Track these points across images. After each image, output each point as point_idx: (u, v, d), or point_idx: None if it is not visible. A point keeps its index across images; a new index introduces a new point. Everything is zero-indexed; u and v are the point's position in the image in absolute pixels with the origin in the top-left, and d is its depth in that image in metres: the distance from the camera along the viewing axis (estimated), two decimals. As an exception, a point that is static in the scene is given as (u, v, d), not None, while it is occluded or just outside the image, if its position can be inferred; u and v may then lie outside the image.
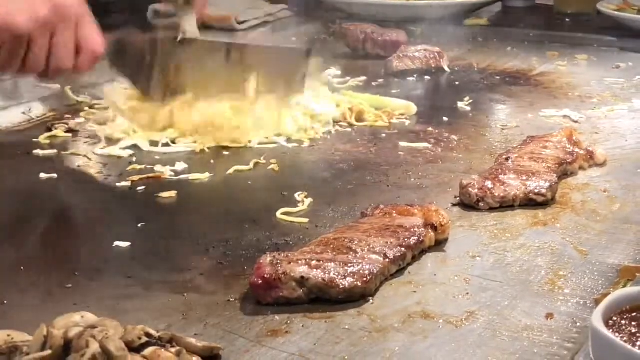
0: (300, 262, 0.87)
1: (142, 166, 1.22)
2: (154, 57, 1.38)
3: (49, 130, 1.36)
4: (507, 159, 1.17)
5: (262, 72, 1.37)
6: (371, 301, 0.85)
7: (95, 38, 1.18)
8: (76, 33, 1.16)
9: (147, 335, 0.73)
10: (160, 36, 1.41)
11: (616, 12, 2.05)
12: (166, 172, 1.20)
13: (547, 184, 1.09)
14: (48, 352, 0.70)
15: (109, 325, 0.73)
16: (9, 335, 0.76)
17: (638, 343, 0.67)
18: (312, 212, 1.08)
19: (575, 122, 1.42)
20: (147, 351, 0.71)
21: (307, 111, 1.38)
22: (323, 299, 0.85)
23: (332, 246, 0.91)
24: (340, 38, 1.97)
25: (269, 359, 0.76)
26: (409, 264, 0.93)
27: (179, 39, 1.40)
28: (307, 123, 1.36)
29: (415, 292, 0.88)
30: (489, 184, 1.09)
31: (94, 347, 0.68)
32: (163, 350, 0.72)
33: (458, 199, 1.10)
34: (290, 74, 1.39)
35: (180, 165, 1.22)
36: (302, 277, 0.85)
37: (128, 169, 1.22)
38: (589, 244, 0.97)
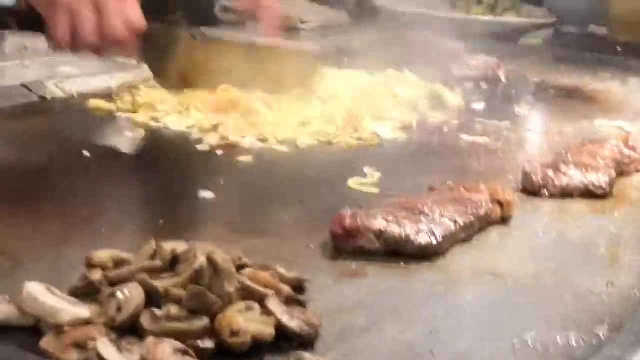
0: (378, 217, 0.93)
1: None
2: (171, 49, 1.43)
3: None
4: (566, 154, 1.23)
5: (274, 72, 1.43)
6: (443, 258, 0.92)
7: (136, 12, 1.23)
8: (119, 4, 1.21)
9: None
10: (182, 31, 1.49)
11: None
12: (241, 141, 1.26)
13: (606, 178, 1.15)
14: (158, 262, 0.76)
15: (210, 247, 0.79)
16: (112, 253, 0.83)
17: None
18: (381, 185, 1.14)
19: (629, 133, 1.47)
20: (245, 271, 0.78)
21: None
22: (397, 253, 0.91)
23: (405, 208, 0.97)
24: (398, 44, 2.03)
25: (350, 293, 0.82)
26: (475, 234, 0.99)
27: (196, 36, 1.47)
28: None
29: (483, 255, 0.94)
30: (550, 173, 1.15)
31: (202, 259, 0.74)
32: (260, 271, 0.78)
33: (519, 185, 1.16)
34: (300, 75, 1.47)
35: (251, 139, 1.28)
36: (380, 230, 0.92)
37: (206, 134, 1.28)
38: (648, 229, 1.03)
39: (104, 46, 1.22)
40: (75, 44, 1.21)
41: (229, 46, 1.47)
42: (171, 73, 1.42)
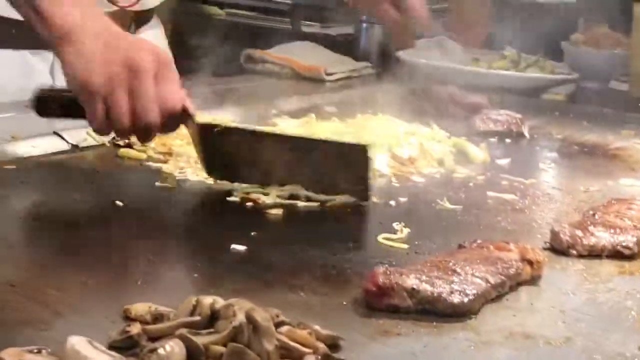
0: (411, 275, 0.94)
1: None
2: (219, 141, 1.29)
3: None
4: (593, 215, 1.24)
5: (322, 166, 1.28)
6: (474, 318, 0.92)
7: (173, 95, 1.17)
8: (156, 88, 1.15)
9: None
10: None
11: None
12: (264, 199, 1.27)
13: (634, 239, 1.16)
14: (197, 317, 0.78)
15: (247, 304, 0.80)
16: (150, 307, 0.84)
17: None
18: (410, 241, 1.15)
19: (654, 192, 1.48)
20: (283, 329, 0.79)
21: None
22: (429, 311, 0.92)
23: (437, 267, 0.98)
24: (422, 97, 2.05)
25: (384, 353, 0.83)
26: (506, 293, 1.00)
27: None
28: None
29: (514, 315, 0.94)
30: (579, 232, 1.16)
31: (241, 316, 0.75)
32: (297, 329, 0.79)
33: (548, 244, 1.17)
34: (350, 173, 1.28)
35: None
36: (413, 289, 0.93)
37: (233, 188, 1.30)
38: (677, 294, 1.03)
39: (142, 130, 1.18)
40: (113, 130, 1.19)
41: (274, 138, 1.34)
42: (216, 163, 1.30)
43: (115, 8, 1.61)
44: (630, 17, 2.40)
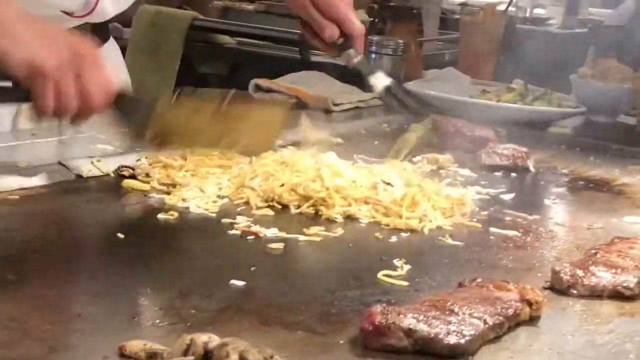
0: (408, 315, 0.94)
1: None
2: (147, 109, 1.42)
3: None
4: (595, 254, 1.23)
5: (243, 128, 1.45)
6: (471, 358, 0.92)
7: (109, 77, 1.29)
8: (97, 72, 1.28)
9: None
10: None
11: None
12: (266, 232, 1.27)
13: (635, 280, 1.15)
14: (191, 357, 0.77)
15: (242, 344, 0.80)
16: (145, 344, 0.84)
17: None
18: (410, 278, 1.15)
19: (658, 231, 1.48)
20: (277, 370, 0.79)
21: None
22: (426, 352, 0.92)
23: (435, 306, 0.98)
24: (429, 128, 2.05)
25: (379, 395, 0.83)
26: (504, 334, 0.99)
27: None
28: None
29: (511, 357, 0.94)
30: (580, 272, 1.15)
31: (235, 357, 0.75)
32: (291, 371, 0.79)
33: (548, 283, 1.16)
34: (267, 130, 1.50)
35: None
36: (410, 329, 0.93)
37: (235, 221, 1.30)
38: (676, 338, 1.03)
39: (84, 112, 1.28)
40: (58, 112, 1.27)
41: (203, 104, 1.46)
42: (146, 133, 1.42)
43: (73, 22, 1.61)
44: None
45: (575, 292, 1.14)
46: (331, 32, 1.61)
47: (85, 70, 1.26)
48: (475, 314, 0.97)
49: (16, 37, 1.22)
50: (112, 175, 1.44)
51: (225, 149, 1.47)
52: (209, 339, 0.83)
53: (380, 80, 1.69)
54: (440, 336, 0.93)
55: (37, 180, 1.36)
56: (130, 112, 1.39)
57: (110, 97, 1.30)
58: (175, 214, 1.30)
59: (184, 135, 1.44)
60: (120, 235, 1.19)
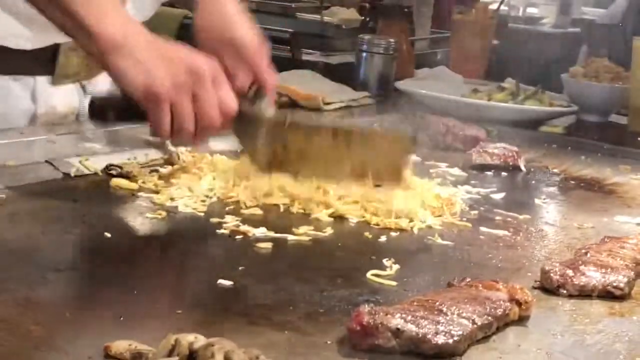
0: (396, 315, 0.93)
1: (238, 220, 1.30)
2: (261, 131, 1.39)
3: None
4: (585, 253, 1.23)
5: (368, 158, 1.39)
6: (460, 358, 0.91)
7: (230, 97, 1.28)
8: (214, 92, 1.26)
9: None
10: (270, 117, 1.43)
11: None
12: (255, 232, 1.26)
13: (625, 279, 1.15)
14: (175, 358, 0.77)
15: (228, 344, 0.79)
16: (130, 345, 0.84)
17: None
18: (399, 278, 1.14)
19: (649, 230, 1.47)
20: (263, 371, 0.78)
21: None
22: (414, 352, 0.91)
23: (424, 306, 0.97)
24: (420, 128, 2.05)
25: (366, 396, 0.82)
26: (493, 334, 0.99)
27: (286, 123, 1.40)
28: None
29: (500, 357, 0.93)
30: (570, 272, 1.15)
31: (220, 357, 0.74)
32: (277, 372, 0.78)
33: (538, 283, 1.16)
34: (395, 162, 1.41)
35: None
36: (398, 329, 0.92)
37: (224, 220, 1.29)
38: (666, 337, 1.02)
39: (202, 132, 1.28)
40: (176, 132, 1.27)
41: (316, 130, 1.42)
42: (260, 155, 1.38)
43: None
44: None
45: (565, 291, 1.13)
46: (243, 80, 1.48)
47: (202, 90, 1.25)
48: (464, 314, 0.97)
49: (136, 60, 1.22)
50: (101, 174, 1.43)
51: (351, 180, 1.38)
52: (194, 339, 0.82)
53: None
54: (429, 336, 0.92)
55: (24, 179, 1.35)
56: (250, 133, 1.37)
57: (228, 118, 1.28)
58: (164, 214, 1.29)
59: (301, 161, 1.38)
60: (108, 235, 1.18)
